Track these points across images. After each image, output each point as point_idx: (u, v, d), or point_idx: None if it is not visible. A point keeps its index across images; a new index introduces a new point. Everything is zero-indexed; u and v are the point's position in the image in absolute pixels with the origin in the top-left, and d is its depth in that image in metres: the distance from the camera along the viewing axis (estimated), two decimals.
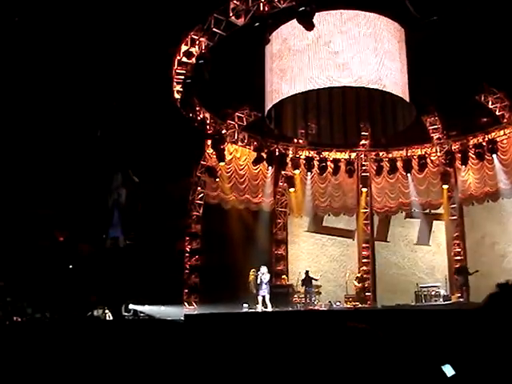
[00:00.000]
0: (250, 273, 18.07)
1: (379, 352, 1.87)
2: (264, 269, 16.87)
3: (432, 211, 20.56)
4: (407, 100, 15.04)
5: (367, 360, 1.85)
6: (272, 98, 15.91)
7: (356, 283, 19.50)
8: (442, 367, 2.72)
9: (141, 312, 17.11)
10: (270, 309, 16.24)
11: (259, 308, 16.32)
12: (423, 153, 20.09)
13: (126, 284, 17.29)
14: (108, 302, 16.80)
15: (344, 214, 21.45)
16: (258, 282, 16.62)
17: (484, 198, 19.36)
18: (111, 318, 16.11)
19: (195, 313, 16.98)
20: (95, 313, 15.79)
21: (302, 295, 18.83)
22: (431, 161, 19.98)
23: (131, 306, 17.21)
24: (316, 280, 18.62)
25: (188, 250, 19.09)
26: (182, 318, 14.41)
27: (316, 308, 17.58)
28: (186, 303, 18.31)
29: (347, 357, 1.87)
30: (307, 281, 18.50)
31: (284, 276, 20.21)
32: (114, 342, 6.68)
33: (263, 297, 16.58)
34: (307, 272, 18.67)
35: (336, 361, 1.89)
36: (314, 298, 18.37)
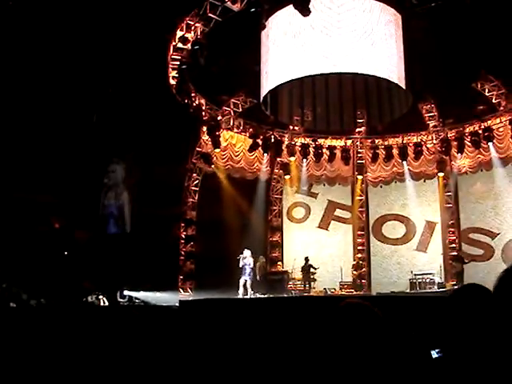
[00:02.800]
0: (258, 260, 18.40)
1: (374, 326, 1.92)
2: (247, 252, 16.72)
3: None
4: (403, 87, 15.05)
5: (364, 334, 1.89)
6: (268, 85, 15.89)
7: (353, 271, 19.61)
8: (431, 351, 2.79)
9: (136, 298, 17.22)
10: (249, 295, 16.21)
11: (240, 294, 16.23)
12: (419, 140, 20.13)
13: (121, 270, 17.39)
14: (103, 288, 16.88)
15: (339, 184, 21.59)
16: (240, 265, 16.48)
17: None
18: (106, 303, 16.21)
19: (190, 299, 17.11)
20: (90, 299, 15.86)
21: (298, 282, 18.98)
22: (427, 148, 20.02)
23: (126, 292, 17.30)
24: (315, 269, 18.72)
25: (183, 236, 19.17)
26: (177, 304, 14.54)
27: (311, 295, 17.71)
28: (181, 289, 18.43)
29: (344, 332, 1.90)
30: (306, 268, 18.64)
31: (279, 263, 20.32)
32: (108, 328, 6.73)
33: (245, 281, 16.47)
34: (307, 259, 18.79)
35: (333, 339, 1.92)
36: (311, 285, 18.50)
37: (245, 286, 16.43)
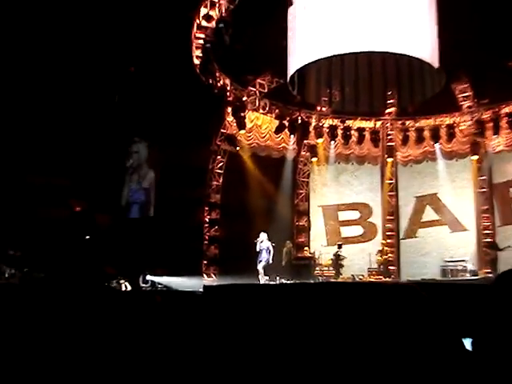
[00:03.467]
0: (285, 245, 18.44)
1: (425, 310, 1.81)
2: (263, 236, 16.60)
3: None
4: (436, 66, 14.71)
5: (417, 319, 1.78)
6: (295, 64, 15.71)
7: (379, 257, 19.46)
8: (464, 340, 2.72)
9: (159, 283, 17.30)
10: (262, 280, 16.24)
11: (261, 280, 16.23)
12: (452, 122, 19.71)
13: (143, 255, 17.48)
14: (125, 273, 17.02)
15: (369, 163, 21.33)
16: (258, 249, 16.44)
17: None
18: (128, 288, 16.30)
19: (214, 284, 17.16)
20: (112, 284, 15.97)
21: (325, 268, 18.95)
22: (460, 130, 19.63)
23: (149, 277, 17.41)
24: (342, 258, 18.71)
25: (207, 220, 19.20)
26: (201, 290, 14.59)
27: (339, 281, 17.66)
28: (204, 274, 18.48)
29: (394, 317, 1.79)
30: (338, 255, 18.63)
31: (306, 248, 20.24)
32: (130, 312, 6.71)
33: (263, 265, 16.44)
34: (340, 246, 18.75)
35: (379, 324, 1.80)
36: (340, 272, 18.50)
37: (264, 270, 16.40)
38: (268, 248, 16.44)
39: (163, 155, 19.09)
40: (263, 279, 16.25)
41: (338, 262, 18.59)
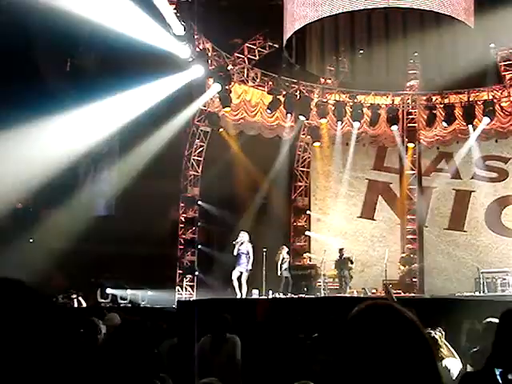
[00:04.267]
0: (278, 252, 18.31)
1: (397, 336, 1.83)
2: (243, 236, 16.14)
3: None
4: (471, 26, 14.64)
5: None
6: (293, 24, 15.61)
7: (401, 266, 19.43)
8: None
9: (122, 298, 17.22)
10: (243, 293, 15.93)
11: (237, 292, 15.92)
12: (491, 97, 19.69)
13: (103, 262, 17.39)
14: (79, 285, 16.92)
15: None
16: (235, 253, 16.12)
17: None
18: (82, 305, 16.20)
19: (191, 299, 17.22)
20: (60, 299, 15.84)
21: (330, 279, 18.88)
22: (501, 108, 19.61)
23: (109, 291, 17.31)
24: (352, 263, 18.61)
25: (183, 219, 19.13)
26: (174, 306, 14.53)
27: (346, 295, 17.60)
28: (179, 287, 18.49)
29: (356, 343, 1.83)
30: (342, 262, 18.51)
31: (305, 254, 20.21)
32: (84, 335, 6.62)
33: (239, 274, 15.89)
34: (341, 251, 18.67)
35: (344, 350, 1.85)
36: (348, 284, 18.42)
37: (239, 280, 15.93)
38: (248, 252, 16.09)
39: (128, 138, 18.95)
40: (241, 292, 15.92)
41: (341, 271, 18.49)
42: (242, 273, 15.81)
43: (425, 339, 1.83)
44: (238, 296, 15.65)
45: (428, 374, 1.77)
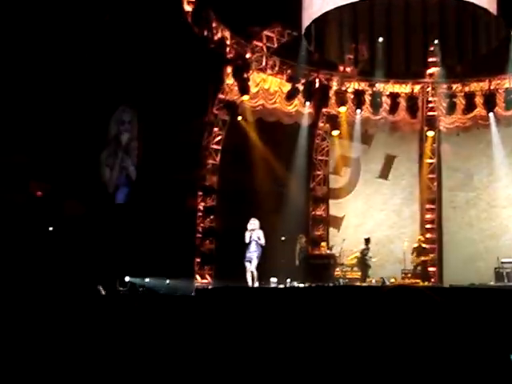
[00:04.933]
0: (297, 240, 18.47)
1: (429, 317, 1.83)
2: (254, 223, 16.27)
3: None
4: (494, 12, 14.49)
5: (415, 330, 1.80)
6: (312, 12, 15.58)
7: (414, 256, 19.37)
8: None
9: (140, 286, 17.30)
10: (255, 279, 16.06)
11: (249, 280, 16.11)
12: None
13: (122, 252, 17.48)
14: (99, 274, 17.04)
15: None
16: (247, 241, 16.20)
17: None
18: (103, 293, 16.29)
19: (209, 287, 17.28)
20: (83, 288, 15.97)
21: (348, 268, 18.95)
22: None
23: (128, 279, 17.40)
24: (369, 257, 18.68)
25: (201, 208, 19.20)
26: (193, 294, 14.60)
27: (365, 284, 17.65)
28: (197, 275, 18.55)
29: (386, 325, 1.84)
30: (365, 252, 18.67)
31: (323, 243, 20.21)
32: (106, 322, 6.72)
33: (249, 262, 16.02)
34: (368, 241, 18.75)
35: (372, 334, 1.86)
36: (367, 273, 18.56)
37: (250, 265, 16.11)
38: (259, 238, 16.12)
39: (147, 127, 19.04)
40: (254, 280, 16.02)
41: (364, 261, 18.57)
42: (251, 261, 15.91)
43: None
44: (250, 284, 15.78)
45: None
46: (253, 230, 15.97)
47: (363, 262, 18.67)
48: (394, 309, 1.83)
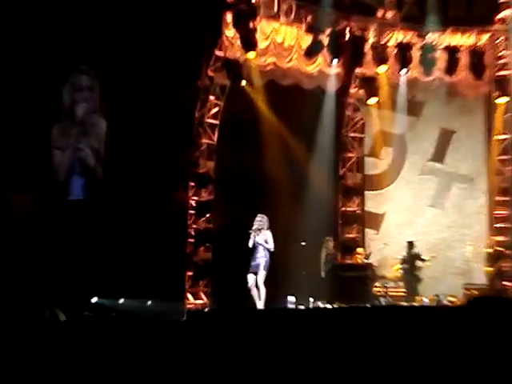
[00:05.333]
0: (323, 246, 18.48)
1: None
2: (262, 221, 15.69)
3: None
4: None
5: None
6: None
7: (488, 266, 19.24)
8: None
9: (112, 308, 17.25)
10: (262, 298, 15.65)
11: (255, 298, 15.53)
12: None
13: (88, 264, 17.41)
14: (57, 295, 17.01)
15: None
16: (251, 245, 15.63)
17: None
18: (61, 319, 16.26)
19: (205, 310, 17.43)
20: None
21: (391, 283, 18.78)
22: None
23: (96, 300, 17.37)
24: (423, 261, 18.58)
25: (193, 204, 19.19)
26: (184, 318, 14.50)
27: (416, 304, 17.50)
28: (189, 294, 18.56)
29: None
30: (410, 260, 18.43)
31: (358, 250, 20.09)
32: (62, 357, 6.72)
33: (255, 274, 15.50)
34: (411, 244, 18.53)
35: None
36: (415, 289, 18.57)
37: (257, 282, 15.56)
38: (266, 242, 15.62)
39: (114, 96, 18.91)
40: (261, 299, 15.66)
41: (412, 272, 18.42)
42: (257, 273, 15.47)
43: None
44: (258, 305, 15.44)
45: None
46: (259, 230, 15.53)
47: (410, 274, 18.54)
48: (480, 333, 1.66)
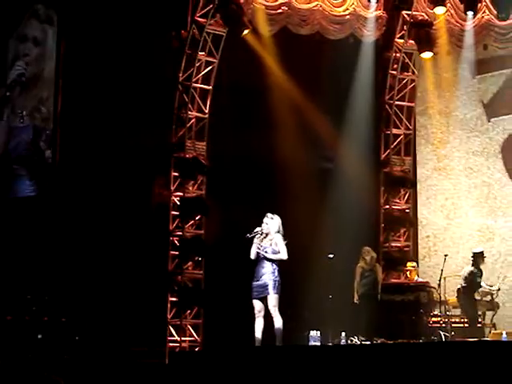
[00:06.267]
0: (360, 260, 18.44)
1: None
2: (270, 222, 15.06)
3: None
4: None
5: None
6: None
7: None
8: None
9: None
10: (277, 332, 15.37)
11: (257, 332, 15.29)
12: None
13: (29, 284, 17.60)
14: None
15: None
16: (253, 255, 15.11)
17: None
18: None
19: (195, 350, 17.52)
20: None
21: (455, 310, 18.81)
22: None
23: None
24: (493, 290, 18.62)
25: (177, 202, 19.32)
26: (165, 361, 14.61)
27: (485, 339, 17.51)
28: (171, 328, 18.67)
29: None
30: (474, 276, 18.45)
31: (410, 264, 20.11)
32: None
33: (261, 300, 14.92)
34: (478, 257, 18.54)
35: None
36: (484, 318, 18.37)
37: (266, 308, 15.33)
38: (277, 251, 15.23)
39: (72, 50, 19.05)
40: (276, 334, 15.47)
41: (472, 294, 18.45)
42: (263, 295, 15.21)
43: None
44: (257, 337, 15.25)
45: None
46: (265, 234, 15.26)
47: (466, 299, 18.47)
48: None
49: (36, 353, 16.91)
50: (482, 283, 18.42)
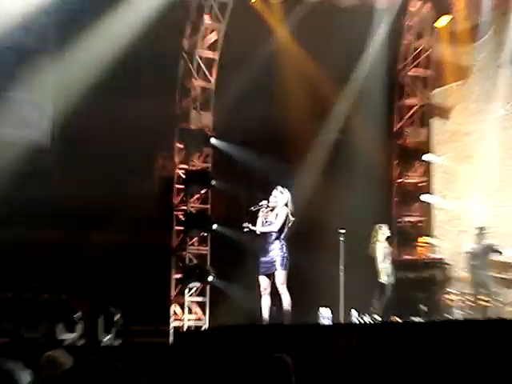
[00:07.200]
0: (373, 234, 18.18)
1: None
2: (279, 196, 14.79)
3: None
4: None
5: None
6: None
7: None
8: None
9: (67, 329, 17.46)
10: (285, 309, 15.24)
11: (264, 311, 15.15)
12: None
13: (26, 260, 17.63)
14: None
15: None
16: (258, 230, 14.91)
17: None
18: None
19: (201, 327, 17.94)
20: None
21: (466, 287, 18.80)
22: None
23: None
24: (500, 253, 18.54)
25: (182, 175, 19.50)
26: (170, 341, 14.65)
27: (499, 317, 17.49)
28: (176, 307, 18.85)
29: None
30: (481, 254, 18.44)
31: (424, 238, 20.12)
32: None
33: (268, 277, 15.24)
34: (482, 232, 18.52)
35: None
36: (497, 295, 18.37)
37: (274, 286, 15.11)
38: (284, 224, 15.04)
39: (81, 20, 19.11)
40: (284, 312, 15.35)
41: (478, 271, 18.39)
42: (271, 272, 15.07)
43: None
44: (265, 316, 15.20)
45: None
46: (271, 208, 15.03)
47: (477, 277, 18.39)
48: None
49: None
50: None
